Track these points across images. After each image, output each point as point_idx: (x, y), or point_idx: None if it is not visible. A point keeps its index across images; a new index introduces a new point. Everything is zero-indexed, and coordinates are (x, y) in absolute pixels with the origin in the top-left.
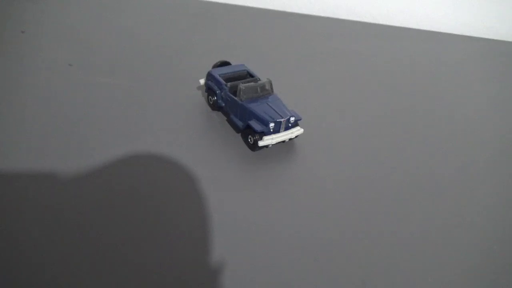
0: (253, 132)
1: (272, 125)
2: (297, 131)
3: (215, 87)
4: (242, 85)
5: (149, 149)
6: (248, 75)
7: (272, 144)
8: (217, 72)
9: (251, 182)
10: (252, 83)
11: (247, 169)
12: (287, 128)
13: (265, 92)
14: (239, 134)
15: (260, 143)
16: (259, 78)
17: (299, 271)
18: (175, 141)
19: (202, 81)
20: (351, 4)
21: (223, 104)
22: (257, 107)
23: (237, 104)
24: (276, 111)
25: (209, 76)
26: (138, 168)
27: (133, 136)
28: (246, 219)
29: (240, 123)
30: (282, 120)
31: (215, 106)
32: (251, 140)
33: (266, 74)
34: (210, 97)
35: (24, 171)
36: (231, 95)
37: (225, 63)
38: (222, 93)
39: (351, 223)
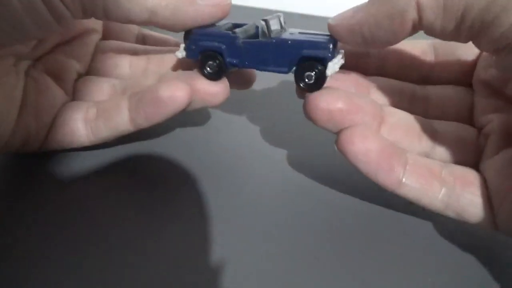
0: (316, 61)
1: (331, 46)
2: (342, 56)
3: (216, 44)
4: (266, 21)
5: (149, 147)
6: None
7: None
8: (206, 29)
9: (251, 180)
10: (272, 16)
11: (247, 167)
12: (338, 52)
13: (284, 27)
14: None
15: (329, 72)
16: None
17: (300, 270)
18: (175, 139)
19: (180, 54)
20: (351, 4)
21: (235, 60)
22: (296, 36)
23: (269, 45)
24: (316, 34)
25: (198, 37)
26: (137, 168)
27: (132, 135)
28: (247, 218)
29: (283, 67)
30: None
31: (221, 71)
32: (311, 76)
33: (267, 75)
34: (209, 62)
35: (24, 170)
36: (253, 40)
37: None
38: (237, 42)
39: (351, 222)
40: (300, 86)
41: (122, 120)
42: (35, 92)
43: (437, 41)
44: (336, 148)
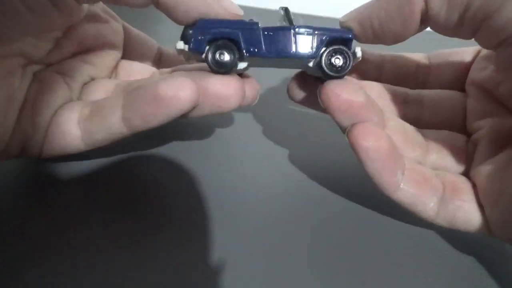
0: (345, 43)
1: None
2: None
3: (232, 30)
4: (286, 9)
5: (149, 148)
6: None
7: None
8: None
9: (252, 179)
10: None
11: (247, 168)
12: None
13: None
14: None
15: (359, 53)
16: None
17: (300, 270)
18: (175, 139)
19: (181, 44)
20: (352, 4)
21: (252, 49)
22: (313, 26)
23: (291, 32)
24: (328, 27)
25: (208, 25)
26: (138, 168)
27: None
28: (247, 218)
29: (309, 52)
30: None
31: (233, 63)
32: (339, 60)
33: (267, 76)
34: (219, 51)
35: (24, 169)
36: (274, 27)
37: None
38: (256, 29)
39: (351, 223)
40: (325, 72)
41: (115, 120)
42: (36, 91)
43: (431, 53)
44: (347, 140)
